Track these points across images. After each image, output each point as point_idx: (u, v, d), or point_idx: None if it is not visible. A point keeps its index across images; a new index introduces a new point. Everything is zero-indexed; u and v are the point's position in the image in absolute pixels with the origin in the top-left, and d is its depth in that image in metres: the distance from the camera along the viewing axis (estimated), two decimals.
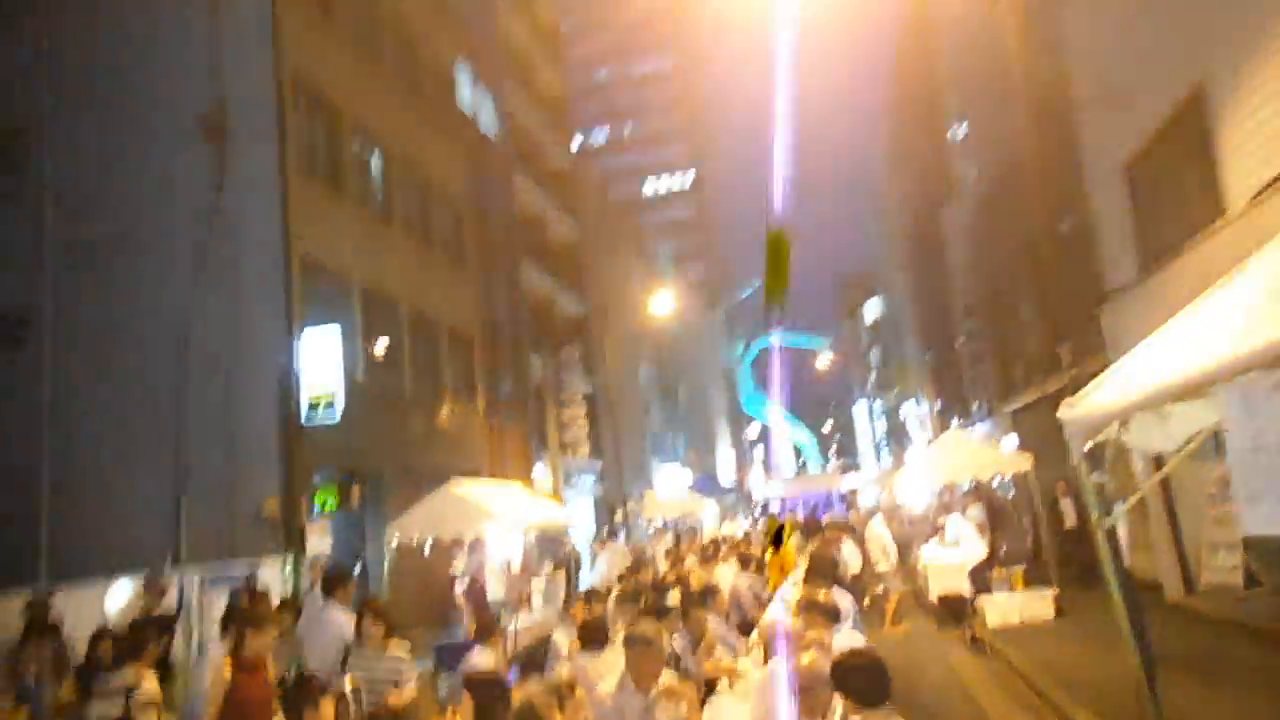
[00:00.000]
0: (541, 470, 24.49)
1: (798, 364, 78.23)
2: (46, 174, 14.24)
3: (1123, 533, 6.43)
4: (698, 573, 9.16)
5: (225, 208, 13.57)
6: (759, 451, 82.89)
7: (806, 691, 3.53)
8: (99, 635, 6.36)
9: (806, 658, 3.68)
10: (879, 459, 70.95)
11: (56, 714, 5.70)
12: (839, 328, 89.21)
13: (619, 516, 23.69)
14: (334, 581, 7.02)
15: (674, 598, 7.14)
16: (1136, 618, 6.41)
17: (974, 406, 26.66)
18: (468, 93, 23.40)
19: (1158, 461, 8.21)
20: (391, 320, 16.57)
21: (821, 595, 4.85)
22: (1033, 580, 12.11)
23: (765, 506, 39.15)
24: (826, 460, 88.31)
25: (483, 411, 20.42)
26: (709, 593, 6.75)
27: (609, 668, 4.71)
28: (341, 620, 6.31)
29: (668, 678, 4.16)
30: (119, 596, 10.13)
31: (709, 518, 29.10)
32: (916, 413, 42.73)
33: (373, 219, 16.56)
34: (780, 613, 5.58)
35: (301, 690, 4.40)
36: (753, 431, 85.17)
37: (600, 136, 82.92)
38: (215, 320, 13.35)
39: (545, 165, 31.44)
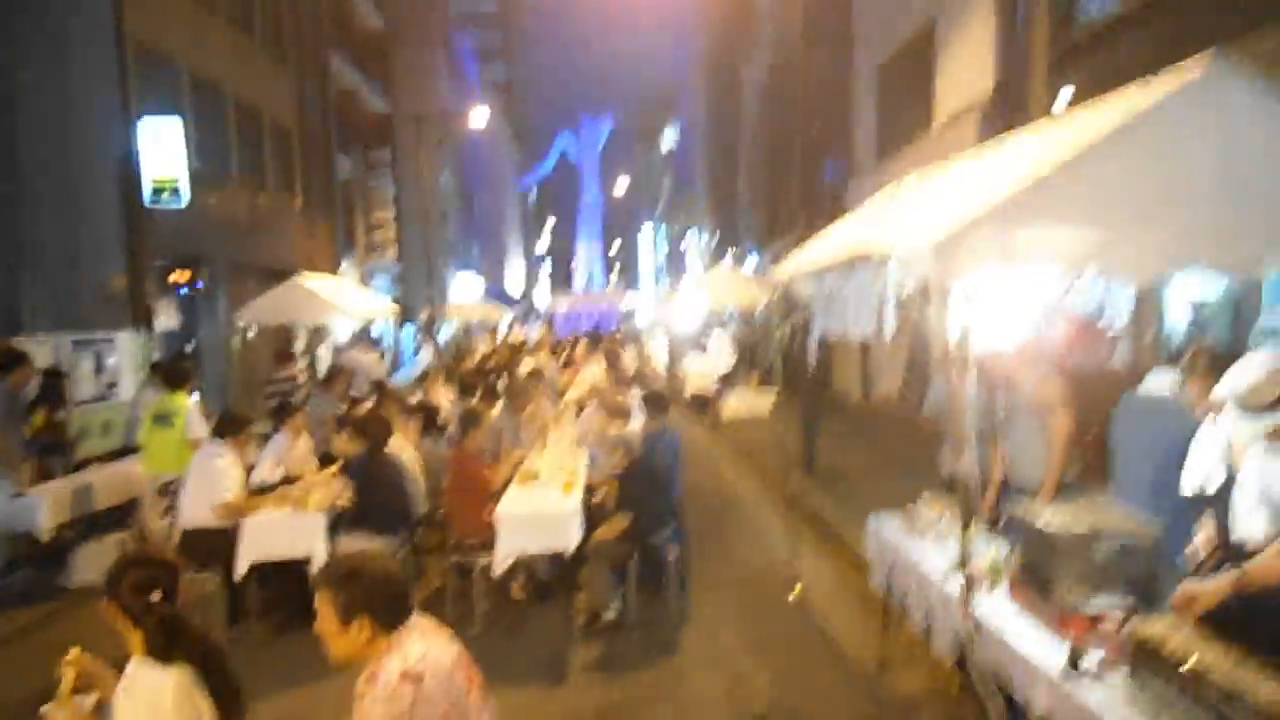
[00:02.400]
0: (346, 268, 25.65)
1: (596, 183, 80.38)
2: None
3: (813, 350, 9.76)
4: (525, 360, 11.88)
5: None
6: (545, 266, 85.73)
7: (615, 414, 6.36)
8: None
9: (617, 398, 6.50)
10: (657, 282, 76.15)
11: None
12: (634, 151, 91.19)
13: (425, 315, 25.77)
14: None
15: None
16: (807, 401, 9.95)
17: (746, 243, 30.60)
18: None
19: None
20: (218, 109, 16.91)
21: (619, 373, 7.69)
22: (765, 386, 15.99)
23: (551, 318, 42.42)
24: (608, 279, 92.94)
25: (298, 207, 21.23)
26: (536, 373, 9.46)
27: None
28: None
29: (531, 408, 6.88)
30: None
31: (503, 324, 31.76)
32: (696, 243, 46.74)
33: (197, 5, 16.45)
34: (588, 381, 8.40)
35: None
36: (541, 246, 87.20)
37: None
38: (44, 93, 13.44)
39: None
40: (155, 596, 2.40)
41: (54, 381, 8.24)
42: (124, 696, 2.34)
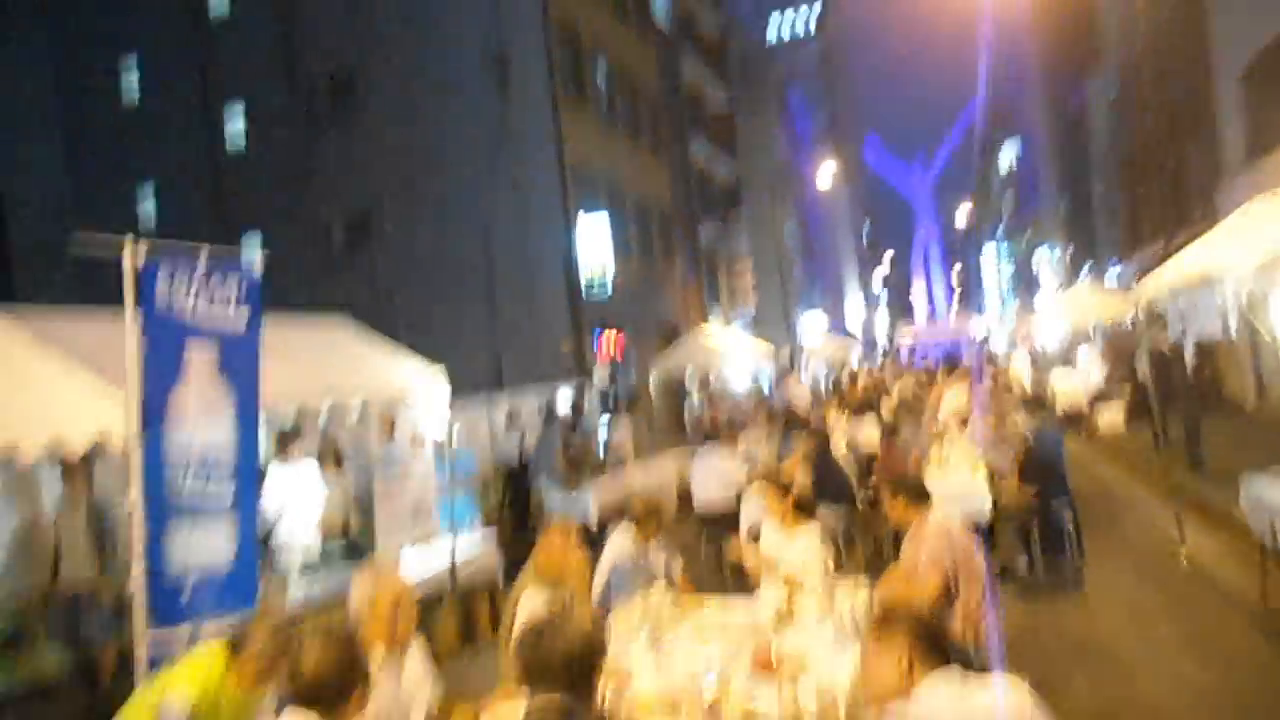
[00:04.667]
0: (713, 319, 29.11)
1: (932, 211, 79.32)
2: (374, 104, 18.98)
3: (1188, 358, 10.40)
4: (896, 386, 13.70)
5: (511, 126, 18.08)
6: (883, 298, 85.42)
7: (1003, 416, 7.98)
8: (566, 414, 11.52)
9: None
10: (1004, 303, 72.58)
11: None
12: (972, 169, 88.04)
13: (785, 357, 28.59)
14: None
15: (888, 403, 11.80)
16: (1188, 405, 10.55)
17: (1105, 255, 29.33)
18: None
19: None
20: (621, 203, 21.02)
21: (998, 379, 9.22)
22: (1138, 397, 15.97)
23: (899, 350, 43.07)
24: (950, 305, 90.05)
25: (676, 272, 25.01)
26: (920, 395, 11.25)
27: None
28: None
29: (925, 419, 8.74)
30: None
31: (854, 358, 33.42)
32: (1048, 258, 44.71)
33: (604, 124, 20.75)
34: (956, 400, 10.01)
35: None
36: (878, 278, 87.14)
37: None
38: (509, 211, 18.15)
39: (698, 35, 34.12)
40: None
41: (577, 416, 11.70)
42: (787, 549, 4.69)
